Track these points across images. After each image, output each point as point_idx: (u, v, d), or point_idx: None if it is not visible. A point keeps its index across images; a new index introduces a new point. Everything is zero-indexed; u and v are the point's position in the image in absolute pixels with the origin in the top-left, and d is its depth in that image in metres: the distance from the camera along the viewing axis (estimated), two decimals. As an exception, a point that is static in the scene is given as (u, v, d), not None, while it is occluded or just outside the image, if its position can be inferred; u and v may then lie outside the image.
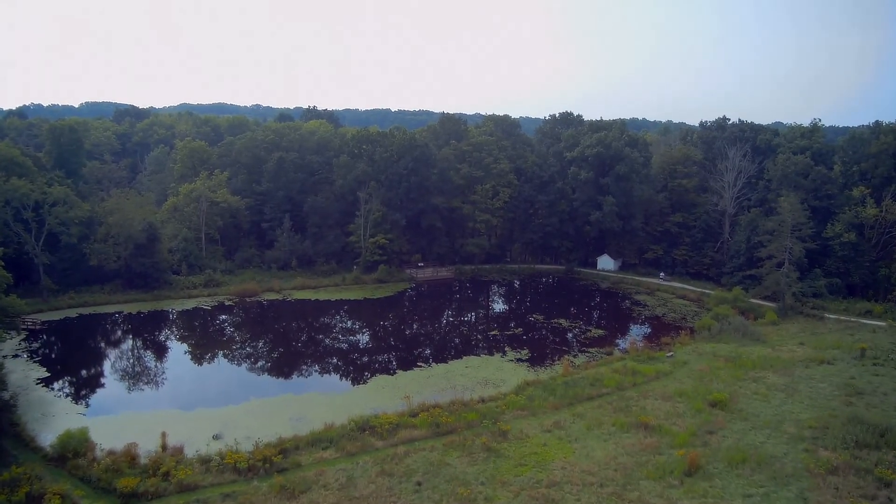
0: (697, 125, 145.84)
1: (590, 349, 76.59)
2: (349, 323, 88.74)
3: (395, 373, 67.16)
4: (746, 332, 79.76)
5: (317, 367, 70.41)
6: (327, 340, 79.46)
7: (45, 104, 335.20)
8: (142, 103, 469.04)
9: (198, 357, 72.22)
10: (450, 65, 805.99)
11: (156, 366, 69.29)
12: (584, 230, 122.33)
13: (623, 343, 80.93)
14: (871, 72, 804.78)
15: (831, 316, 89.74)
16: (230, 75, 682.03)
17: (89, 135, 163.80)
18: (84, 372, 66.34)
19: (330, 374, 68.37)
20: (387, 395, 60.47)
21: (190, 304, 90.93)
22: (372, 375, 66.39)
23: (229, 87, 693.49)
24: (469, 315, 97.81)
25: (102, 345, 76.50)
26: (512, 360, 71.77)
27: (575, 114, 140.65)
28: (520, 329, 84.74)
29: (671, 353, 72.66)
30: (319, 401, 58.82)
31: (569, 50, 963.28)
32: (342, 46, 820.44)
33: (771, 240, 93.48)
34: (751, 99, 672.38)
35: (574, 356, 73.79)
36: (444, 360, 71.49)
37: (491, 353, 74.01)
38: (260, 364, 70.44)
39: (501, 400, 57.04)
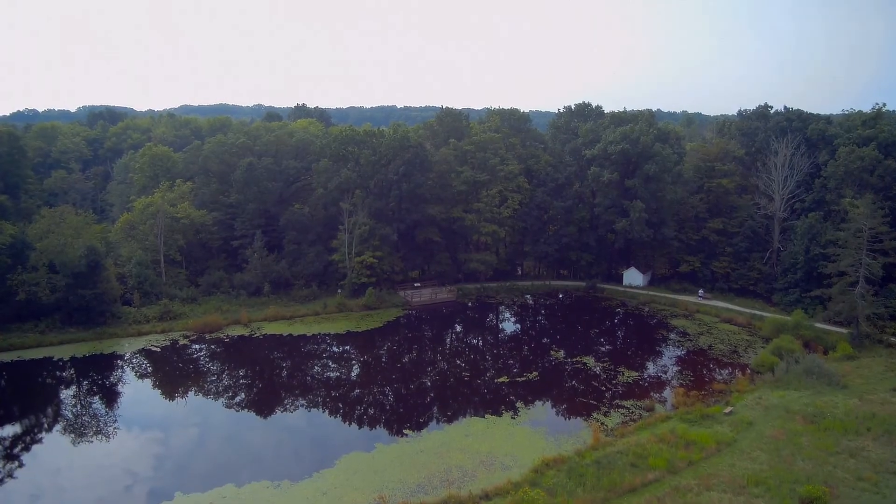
0: (720, 115, 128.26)
1: (624, 402, 60.32)
2: (323, 370, 71.33)
3: (372, 448, 51.37)
4: (821, 373, 63.13)
5: (271, 439, 54.29)
6: (290, 399, 62.53)
7: (40, 110, 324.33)
8: (141, 106, 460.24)
9: (119, 432, 54.68)
10: (455, 59, 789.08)
11: (62, 447, 52.29)
12: (608, 240, 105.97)
13: (659, 375, 66.43)
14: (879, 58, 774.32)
15: (920, 346, 72.82)
16: (233, 76, 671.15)
17: (56, 141, 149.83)
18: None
19: (287, 452, 52.46)
20: (358, 484, 45.10)
21: (138, 345, 75.78)
22: (342, 452, 50.53)
23: (242, 88, 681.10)
24: (473, 347, 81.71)
25: (8, 412, 59.26)
26: (525, 423, 55.88)
27: (593, 105, 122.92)
28: (535, 373, 68.64)
29: (730, 409, 56.56)
30: (266, 497, 43.57)
31: (578, 40, 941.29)
32: (346, 45, 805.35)
33: (839, 253, 76.61)
34: (770, 87, 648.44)
35: (605, 414, 57.75)
36: (439, 425, 55.75)
37: (499, 413, 57.90)
38: (196, 438, 54.24)
39: (512, 494, 41.63)
